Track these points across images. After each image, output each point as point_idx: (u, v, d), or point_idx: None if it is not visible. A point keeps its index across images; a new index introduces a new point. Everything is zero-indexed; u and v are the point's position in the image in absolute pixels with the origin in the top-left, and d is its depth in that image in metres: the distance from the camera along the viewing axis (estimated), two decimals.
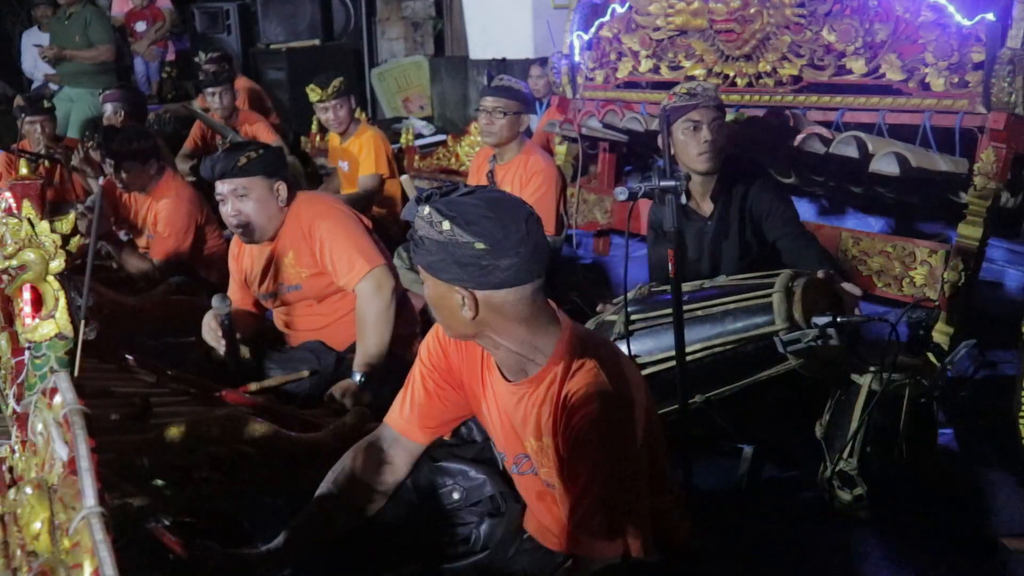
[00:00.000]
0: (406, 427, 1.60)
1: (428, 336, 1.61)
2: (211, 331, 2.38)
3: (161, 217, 3.40)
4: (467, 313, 1.34)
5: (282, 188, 2.43)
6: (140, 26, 7.07)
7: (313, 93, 4.14)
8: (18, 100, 4.64)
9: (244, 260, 2.64)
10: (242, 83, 5.84)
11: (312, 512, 1.58)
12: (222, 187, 2.39)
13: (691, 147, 2.47)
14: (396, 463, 1.61)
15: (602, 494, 1.34)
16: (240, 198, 2.38)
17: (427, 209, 1.31)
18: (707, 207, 2.59)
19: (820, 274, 2.20)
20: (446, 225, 1.28)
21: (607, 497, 1.35)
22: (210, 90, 4.87)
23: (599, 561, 1.35)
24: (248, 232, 2.44)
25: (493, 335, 1.39)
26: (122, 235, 3.72)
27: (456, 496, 1.63)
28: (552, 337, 1.41)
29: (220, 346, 2.37)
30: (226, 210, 2.42)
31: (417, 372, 1.60)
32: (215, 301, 2.33)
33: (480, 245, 1.27)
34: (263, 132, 4.90)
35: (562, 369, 1.39)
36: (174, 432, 1.68)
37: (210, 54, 5.79)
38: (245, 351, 2.54)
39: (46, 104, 4.50)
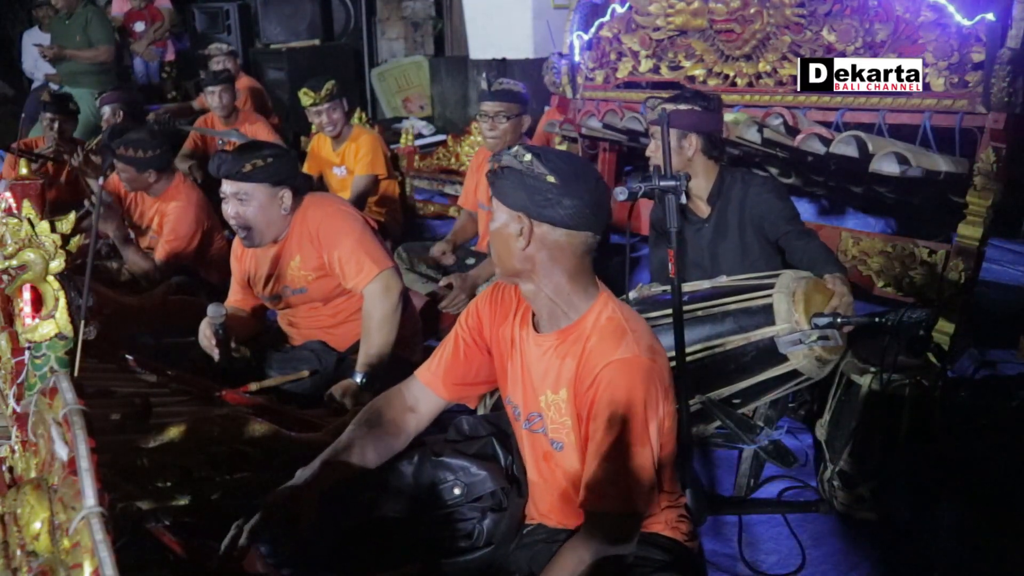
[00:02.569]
0: (431, 380, 1.72)
1: (471, 302, 1.74)
2: (206, 339, 2.40)
3: (169, 220, 3.39)
4: (520, 243, 1.45)
5: (287, 196, 2.43)
6: (139, 26, 7.06)
7: (306, 97, 4.11)
8: (45, 95, 4.69)
9: (247, 262, 2.64)
10: (244, 82, 5.81)
11: (343, 444, 1.61)
12: (226, 187, 2.40)
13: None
14: (419, 411, 1.72)
15: (617, 451, 1.39)
16: (241, 201, 2.39)
17: (517, 147, 1.47)
18: (704, 209, 2.59)
19: (828, 279, 2.20)
20: (528, 157, 1.43)
21: (622, 454, 1.40)
22: (210, 89, 4.84)
23: (609, 516, 1.41)
24: (247, 235, 2.44)
25: (536, 277, 1.49)
26: None
27: (458, 492, 1.66)
28: (589, 298, 1.51)
29: (214, 353, 2.39)
30: (227, 209, 2.43)
31: (454, 332, 1.73)
32: (210, 310, 2.34)
33: (551, 179, 1.41)
34: (263, 132, 4.87)
35: (591, 326, 1.48)
36: (174, 432, 1.68)
37: (220, 47, 5.80)
38: (245, 351, 2.55)
39: (71, 106, 4.56)
